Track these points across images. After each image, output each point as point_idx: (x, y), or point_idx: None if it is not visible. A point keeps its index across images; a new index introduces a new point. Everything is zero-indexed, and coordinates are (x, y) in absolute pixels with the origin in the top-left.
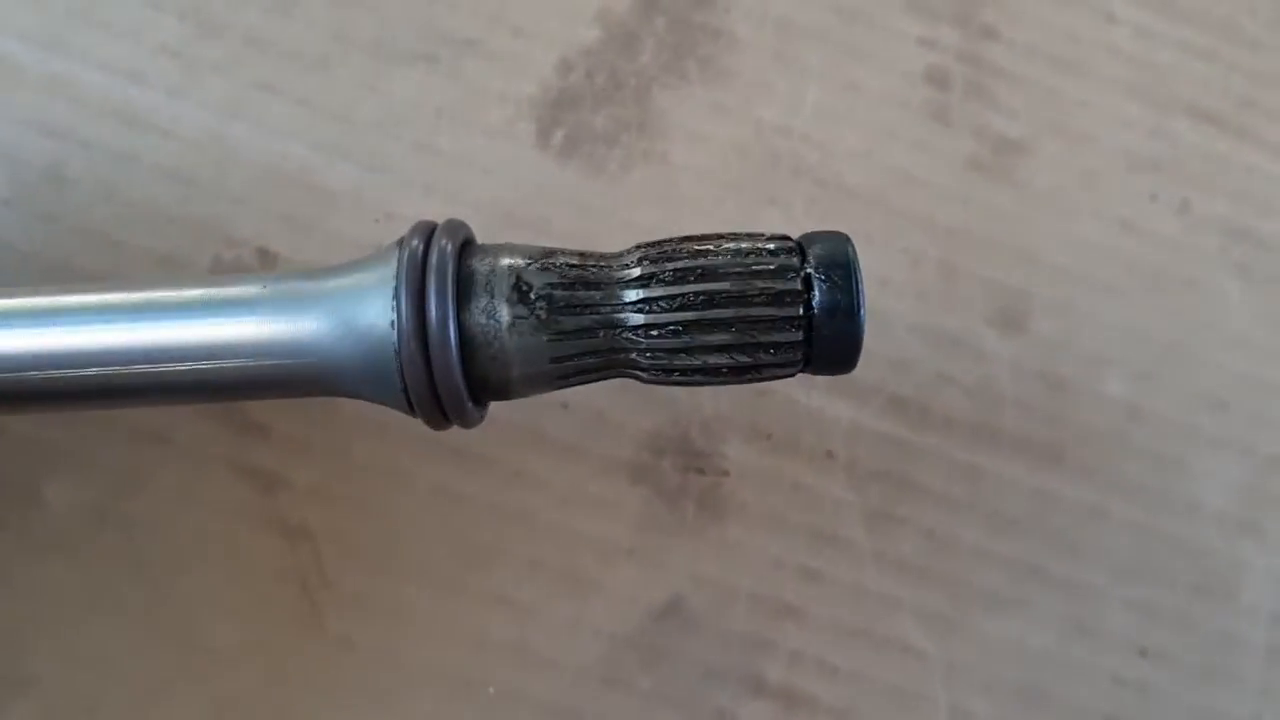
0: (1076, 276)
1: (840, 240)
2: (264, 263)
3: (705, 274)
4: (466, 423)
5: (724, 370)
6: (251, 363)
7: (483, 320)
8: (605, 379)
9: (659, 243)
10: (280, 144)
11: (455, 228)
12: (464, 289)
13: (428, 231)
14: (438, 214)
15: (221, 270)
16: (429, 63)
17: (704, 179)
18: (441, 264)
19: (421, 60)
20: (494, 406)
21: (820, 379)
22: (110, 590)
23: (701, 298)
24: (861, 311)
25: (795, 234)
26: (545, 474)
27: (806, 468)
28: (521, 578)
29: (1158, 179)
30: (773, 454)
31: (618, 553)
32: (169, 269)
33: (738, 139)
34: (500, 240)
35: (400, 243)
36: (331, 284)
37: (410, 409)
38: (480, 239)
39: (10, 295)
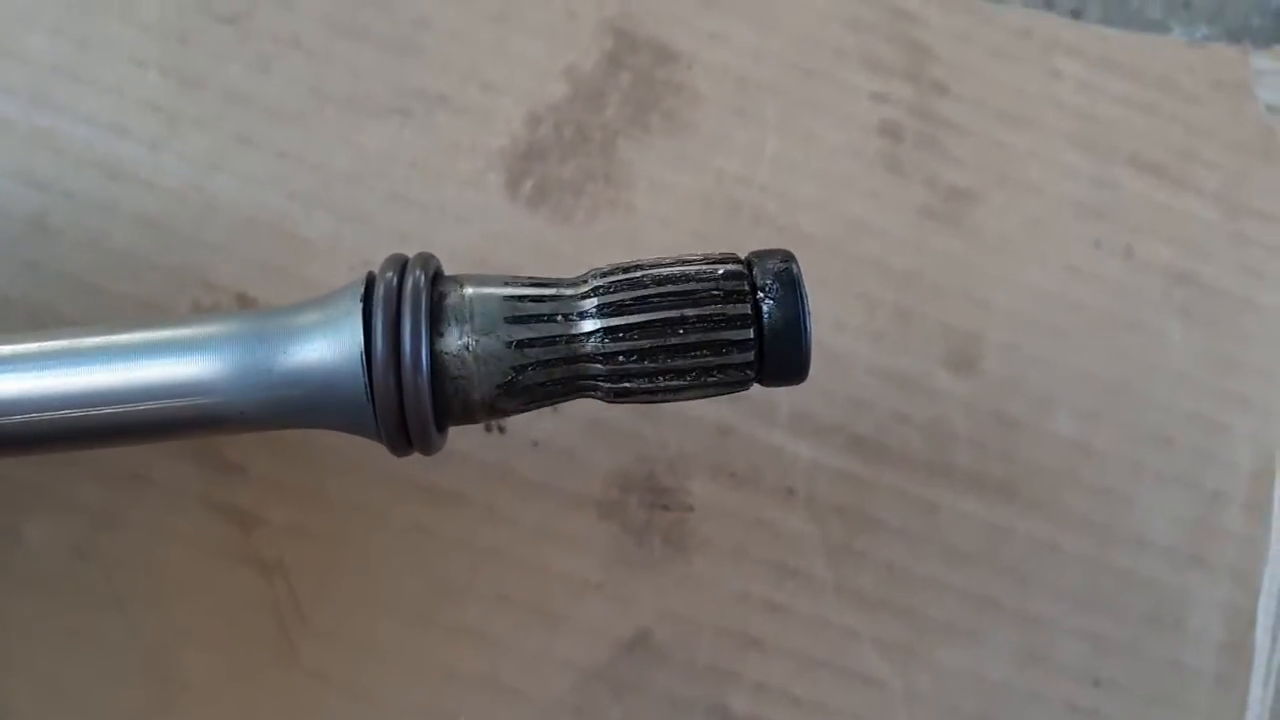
0: (1025, 319)
1: (785, 257)
2: (243, 308)
3: (659, 295)
4: (428, 449)
5: (681, 387)
6: (215, 400)
7: (450, 347)
8: (567, 400)
9: (614, 268)
10: (259, 194)
11: (426, 259)
12: (435, 316)
13: (400, 264)
14: None
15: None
16: (402, 117)
17: (667, 227)
18: (416, 294)
19: (395, 114)
20: (465, 445)
21: (781, 417)
22: (88, 626)
23: (656, 318)
24: (808, 324)
25: None
26: (515, 511)
27: (769, 504)
28: (492, 612)
29: (1101, 226)
30: (736, 490)
31: (586, 587)
32: (150, 315)
33: (699, 188)
34: None
35: (369, 277)
36: (299, 319)
37: (377, 435)
38: None
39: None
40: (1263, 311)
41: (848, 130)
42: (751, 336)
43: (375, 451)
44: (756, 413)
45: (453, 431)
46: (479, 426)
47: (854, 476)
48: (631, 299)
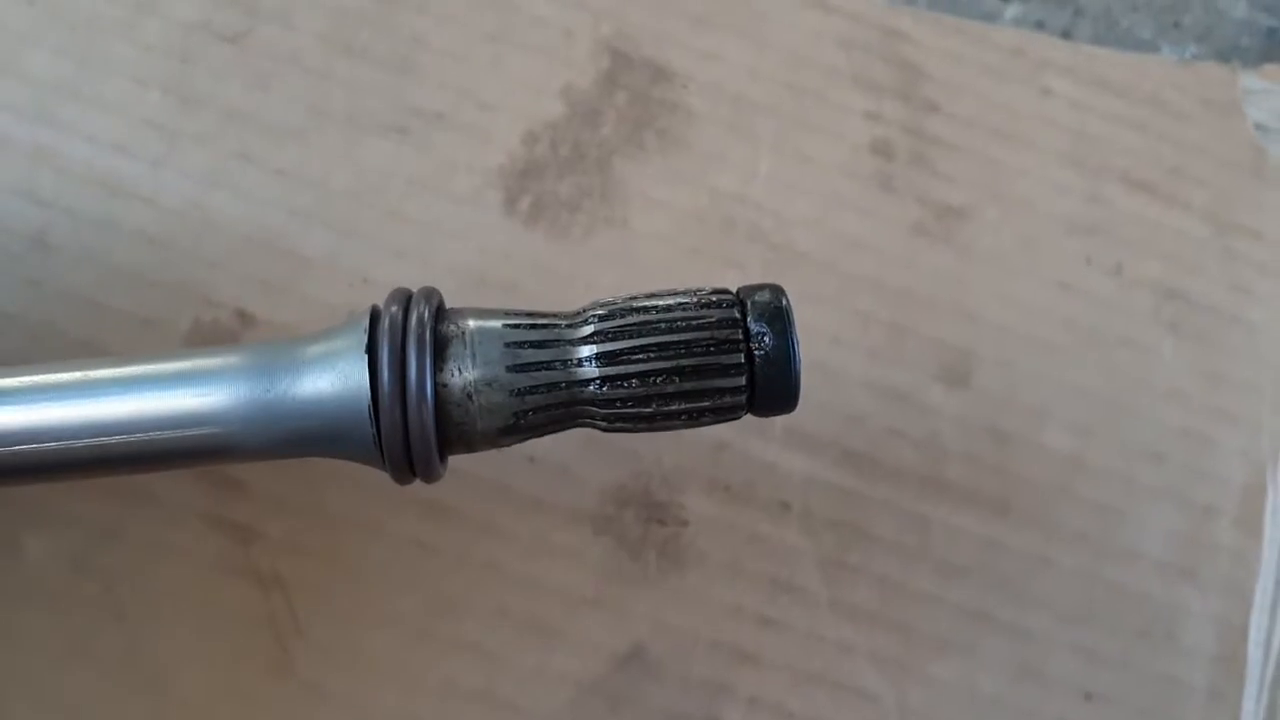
0: (1017, 335)
1: (775, 291)
2: (243, 324)
3: (653, 328)
4: (431, 477)
5: (676, 416)
6: (223, 431)
7: (453, 380)
8: (565, 430)
9: (610, 301)
10: (258, 211)
11: (430, 294)
12: (438, 351)
13: (405, 298)
14: (409, 277)
15: (200, 331)
16: (400, 134)
17: (663, 244)
18: (420, 329)
19: (393, 132)
20: (463, 461)
21: (776, 432)
22: (88, 639)
23: (651, 351)
24: (797, 356)
25: None
26: (512, 526)
27: (763, 518)
28: (489, 626)
29: (1093, 243)
30: (730, 505)
31: (582, 602)
32: (150, 331)
33: (695, 206)
34: (468, 302)
35: (374, 310)
36: (306, 351)
37: (382, 465)
38: (451, 300)
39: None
40: (1252, 328)
41: (841, 148)
42: (744, 383)
43: (372, 468)
44: (751, 428)
45: None
46: None
47: (848, 491)
48: (628, 347)
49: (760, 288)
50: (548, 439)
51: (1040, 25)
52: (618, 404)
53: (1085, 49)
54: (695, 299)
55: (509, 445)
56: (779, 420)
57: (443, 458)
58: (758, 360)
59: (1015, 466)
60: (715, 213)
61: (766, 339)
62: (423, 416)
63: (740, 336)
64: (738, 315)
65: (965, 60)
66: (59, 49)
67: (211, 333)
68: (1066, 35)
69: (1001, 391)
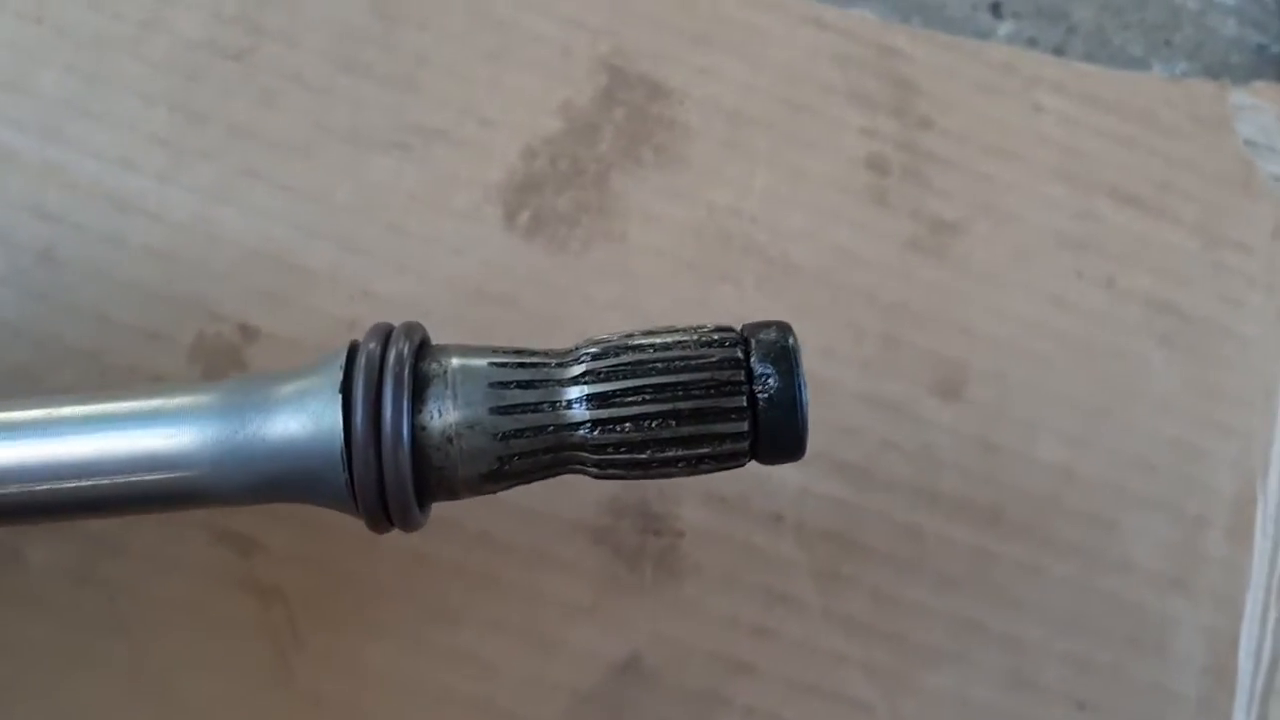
0: (1010, 347)
1: (782, 331)
2: (246, 338)
3: (649, 368)
4: (409, 526)
5: (673, 463)
6: (190, 475)
7: (432, 423)
8: (554, 476)
9: (604, 339)
10: (263, 226)
11: (412, 329)
12: (417, 391)
13: (384, 334)
14: (410, 290)
15: (205, 344)
16: (402, 151)
17: (660, 257)
18: (399, 366)
19: (395, 148)
20: None
21: None
22: (90, 649)
23: (647, 393)
24: (804, 400)
25: (744, 308)
26: (509, 537)
27: (758, 529)
28: (486, 636)
29: (1084, 256)
30: (725, 517)
31: (579, 612)
32: (155, 344)
33: (691, 220)
34: (467, 315)
35: (351, 346)
36: (279, 390)
37: (355, 511)
38: (451, 314)
39: None
40: (1242, 340)
41: (836, 163)
42: (746, 428)
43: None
44: None
45: None
46: None
47: (841, 502)
48: (622, 389)
49: (766, 325)
50: None
51: (1033, 42)
52: (610, 449)
53: (1076, 66)
54: (695, 337)
55: (494, 492)
56: None
57: (422, 506)
58: (761, 404)
59: (1008, 477)
60: (711, 227)
61: (771, 381)
62: (399, 461)
63: (743, 378)
64: (740, 355)
65: (958, 76)
66: (67, 66)
67: (215, 346)
68: (1059, 52)
69: (994, 403)
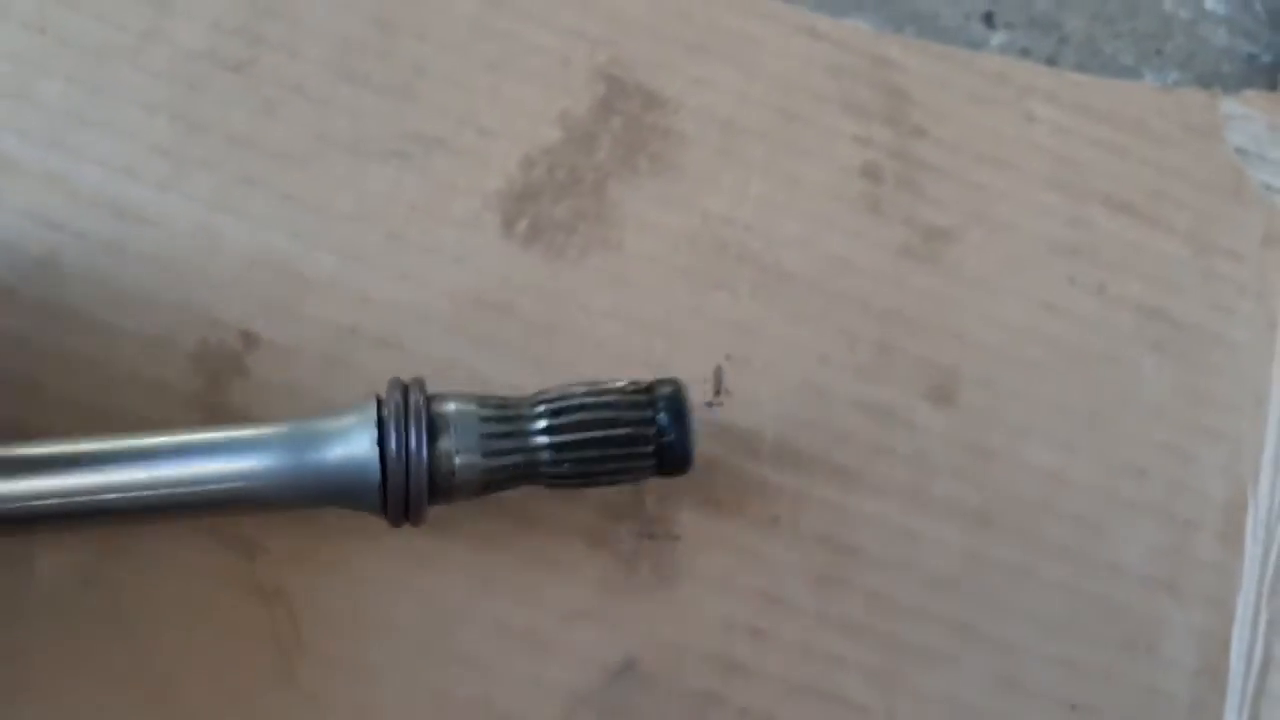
0: (1002, 354)
1: (675, 385)
2: (246, 345)
3: (590, 424)
4: (420, 523)
5: (602, 481)
6: (263, 485)
7: (442, 450)
8: (520, 486)
9: (559, 396)
10: (263, 234)
11: (419, 383)
12: (430, 431)
13: (402, 387)
14: (410, 298)
15: (206, 351)
16: (402, 160)
17: (655, 265)
18: (418, 413)
19: (395, 157)
20: None
21: (766, 449)
22: (97, 650)
23: (589, 443)
24: (691, 439)
25: (739, 315)
26: (508, 540)
27: (753, 533)
28: (485, 638)
29: (1076, 263)
30: (722, 520)
31: (576, 614)
32: (157, 351)
33: (686, 228)
34: (467, 324)
35: (378, 398)
36: (327, 426)
37: (382, 513)
38: (450, 321)
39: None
40: (1232, 346)
41: (830, 172)
42: (652, 460)
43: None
44: (741, 446)
45: None
46: None
47: (836, 506)
48: (571, 440)
49: (665, 382)
50: None
51: (1025, 52)
52: (561, 476)
53: (1068, 75)
54: (621, 398)
55: (480, 496)
56: (769, 437)
57: (431, 505)
58: (664, 444)
59: (1000, 482)
60: (706, 234)
61: (668, 429)
62: (419, 479)
63: (651, 431)
64: (650, 414)
65: (951, 86)
66: (70, 76)
67: (217, 353)
68: (1051, 62)
69: (986, 409)
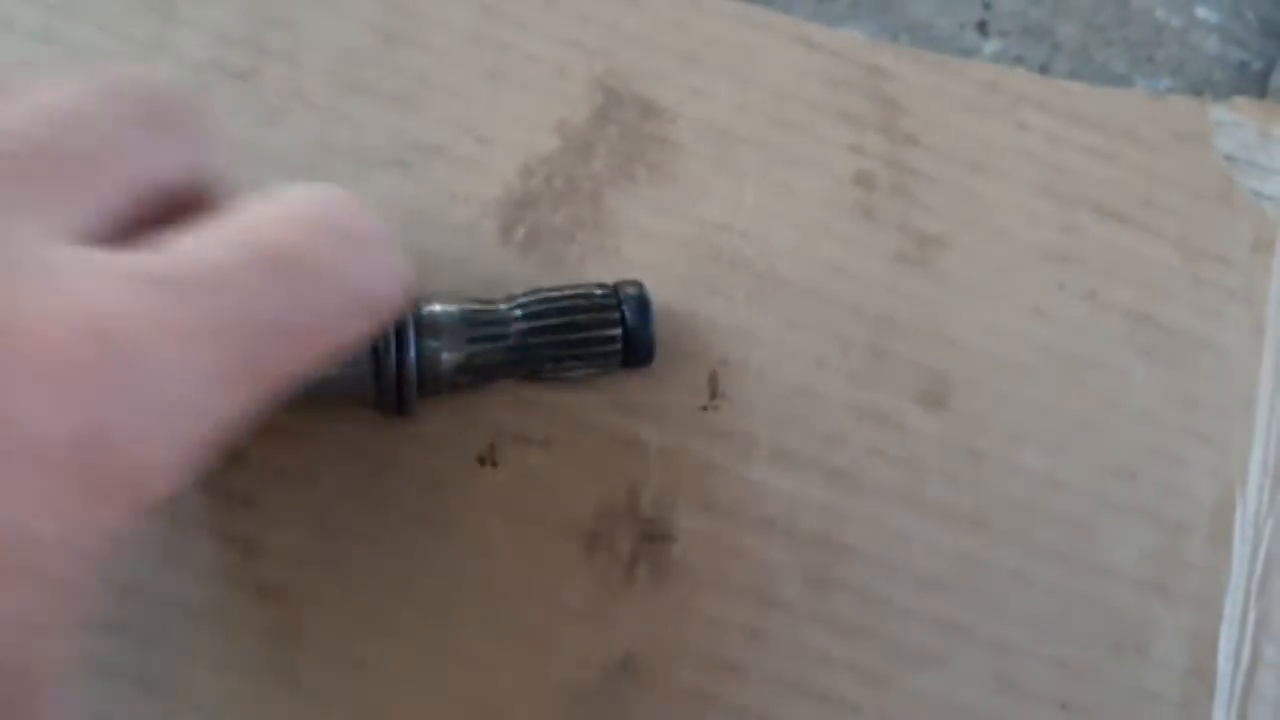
0: (994, 359)
1: (639, 286)
2: None
3: (559, 306)
4: (409, 412)
5: (575, 366)
6: None
7: (428, 344)
8: (498, 379)
9: (531, 291)
10: None
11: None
12: (419, 327)
13: None
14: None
15: None
16: (403, 167)
17: (652, 272)
18: (404, 315)
19: (396, 166)
20: (462, 477)
21: (761, 452)
22: (104, 649)
23: (558, 317)
24: (652, 325)
25: (734, 320)
26: (507, 541)
27: (749, 534)
28: (484, 637)
29: (1066, 269)
30: (717, 522)
31: (574, 614)
32: None
33: (682, 235)
34: None
35: None
36: None
37: (376, 403)
38: None
39: None
40: (1221, 351)
41: (824, 180)
42: (618, 338)
43: (374, 483)
44: (737, 449)
45: (451, 462)
46: (473, 460)
47: (830, 508)
48: (543, 321)
49: (630, 283)
50: (541, 457)
51: (1019, 60)
52: (534, 352)
53: (1060, 84)
54: (586, 289)
55: (460, 388)
56: (764, 441)
57: (420, 395)
58: (628, 331)
59: (992, 485)
60: (702, 242)
61: (629, 313)
62: (406, 367)
63: (616, 312)
64: (615, 302)
65: (944, 95)
66: None
67: None
68: (1044, 69)
69: (978, 413)
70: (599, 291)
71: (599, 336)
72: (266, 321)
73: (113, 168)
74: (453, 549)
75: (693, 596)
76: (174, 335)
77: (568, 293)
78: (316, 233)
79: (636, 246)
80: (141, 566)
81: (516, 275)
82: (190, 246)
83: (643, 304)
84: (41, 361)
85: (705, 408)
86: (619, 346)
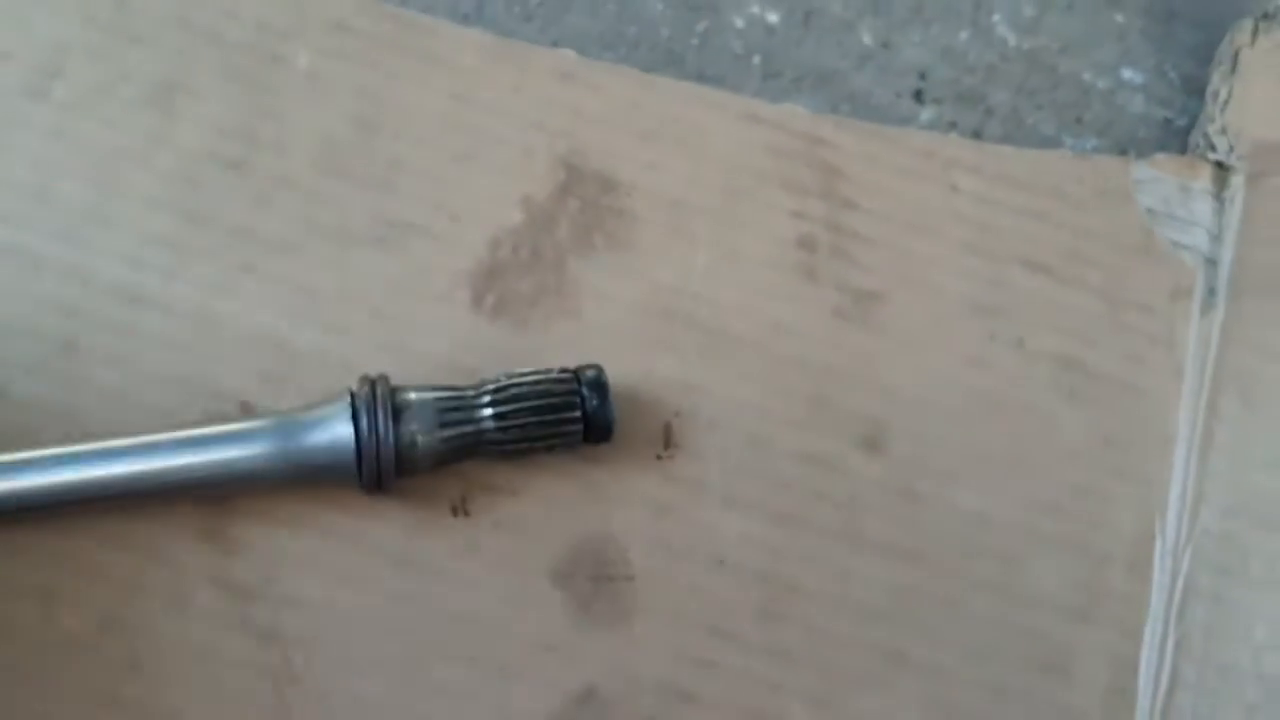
0: (929, 405)
1: (598, 369)
2: (244, 412)
3: (526, 396)
4: (389, 490)
5: (539, 445)
6: (261, 464)
7: (404, 432)
8: (471, 458)
9: (498, 380)
10: (259, 315)
11: (383, 378)
12: (396, 415)
13: (370, 382)
14: (389, 367)
15: (210, 421)
16: (381, 244)
17: (611, 331)
18: (385, 401)
19: (375, 243)
20: (439, 525)
21: (713, 497)
22: (111, 688)
23: (526, 411)
24: (610, 410)
25: (687, 375)
26: (481, 581)
27: (702, 572)
28: (462, 670)
29: (996, 321)
30: (673, 562)
31: (542, 648)
32: (167, 420)
33: (639, 298)
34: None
35: (352, 390)
36: (310, 416)
37: (360, 483)
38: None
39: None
40: (1142, 393)
41: (769, 244)
42: (579, 418)
43: (360, 532)
44: (691, 494)
45: (426, 512)
46: (447, 511)
47: (778, 547)
48: (511, 410)
49: (589, 367)
50: (510, 506)
51: (953, 125)
52: (505, 441)
53: (991, 148)
54: (551, 377)
55: (437, 468)
56: (716, 486)
57: (398, 475)
58: (589, 413)
59: (928, 522)
60: (656, 303)
61: (592, 399)
62: (386, 455)
63: (578, 400)
64: (576, 386)
65: (880, 162)
66: (84, 178)
67: (220, 421)
68: (977, 133)
69: (915, 456)
70: (561, 376)
71: (562, 418)
72: None
73: None
74: (433, 591)
75: (651, 631)
76: None
77: (530, 378)
78: None
79: (597, 309)
80: (148, 609)
81: (487, 339)
82: None
83: (601, 387)
84: None
85: (660, 456)
86: (580, 428)
